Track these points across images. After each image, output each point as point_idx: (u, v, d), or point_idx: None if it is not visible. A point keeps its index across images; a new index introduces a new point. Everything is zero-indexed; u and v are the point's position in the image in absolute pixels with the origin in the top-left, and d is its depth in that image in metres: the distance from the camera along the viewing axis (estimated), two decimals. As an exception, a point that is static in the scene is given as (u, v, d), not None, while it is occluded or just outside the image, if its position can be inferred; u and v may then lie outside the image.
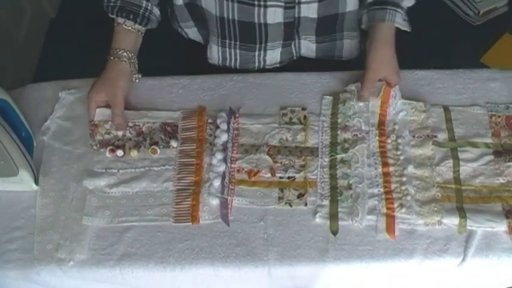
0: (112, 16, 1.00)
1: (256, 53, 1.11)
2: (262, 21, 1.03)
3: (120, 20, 1.00)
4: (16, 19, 2.01)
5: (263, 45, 1.09)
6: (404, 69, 1.06)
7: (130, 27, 1.00)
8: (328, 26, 1.09)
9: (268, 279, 0.87)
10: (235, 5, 1.01)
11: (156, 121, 1.00)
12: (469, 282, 0.93)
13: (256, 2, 1.00)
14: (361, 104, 1.01)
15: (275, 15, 1.03)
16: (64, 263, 0.86)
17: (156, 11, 1.03)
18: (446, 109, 1.01)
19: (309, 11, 1.04)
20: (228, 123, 0.98)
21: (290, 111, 1.01)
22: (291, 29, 1.08)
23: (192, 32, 1.18)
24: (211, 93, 1.04)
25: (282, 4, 1.01)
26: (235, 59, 1.13)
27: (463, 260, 0.86)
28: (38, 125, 1.00)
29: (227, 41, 1.10)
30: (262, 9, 1.01)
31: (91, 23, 2.08)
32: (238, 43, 1.10)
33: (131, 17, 0.99)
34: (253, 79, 1.06)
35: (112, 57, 1.00)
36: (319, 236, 0.88)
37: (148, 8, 1.01)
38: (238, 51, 1.11)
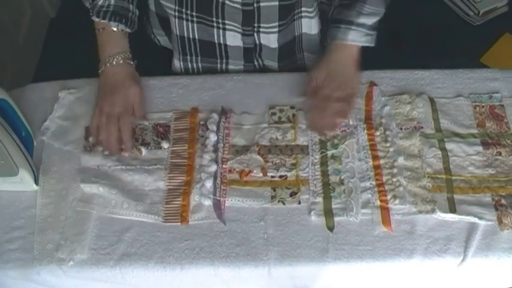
0: (103, 21, 0.99)
1: (218, 66, 1.11)
2: (222, 42, 1.04)
3: (112, 24, 0.99)
4: (16, 19, 2.01)
5: (225, 60, 1.09)
6: (404, 69, 1.07)
7: (121, 31, 1.00)
8: (288, 50, 1.10)
9: (268, 279, 0.87)
10: (195, 25, 1.01)
11: (149, 122, 1.00)
12: (469, 282, 0.93)
13: (215, 24, 1.00)
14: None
15: (234, 39, 1.03)
16: (64, 263, 0.86)
17: (137, 15, 1.03)
18: (431, 100, 1.02)
19: (269, 40, 1.04)
20: (219, 124, 0.98)
21: (279, 110, 1.01)
22: (251, 54, 1.08)
23: (163, 40, 1.18)
24: (211, 93, 1.04)
25: (240, 31, 1.01)
26: (198, 70, 1.13)
27: (463, 260, 0.86)
28: (38, 125, 1.00)
29: (188, 56, 1.10)
30: (221, 31, 1.01)
31: (91, 23, 2.08)
32: (199, 58, 1.10)
33: (123, 21, 0.99)
34: (253, 79, 1.06)
35: (113, 63, 0.99)
36: (319, 235, 0.88)
37: (135, 12, 1.02)
38: (200, 64, 1.12)
